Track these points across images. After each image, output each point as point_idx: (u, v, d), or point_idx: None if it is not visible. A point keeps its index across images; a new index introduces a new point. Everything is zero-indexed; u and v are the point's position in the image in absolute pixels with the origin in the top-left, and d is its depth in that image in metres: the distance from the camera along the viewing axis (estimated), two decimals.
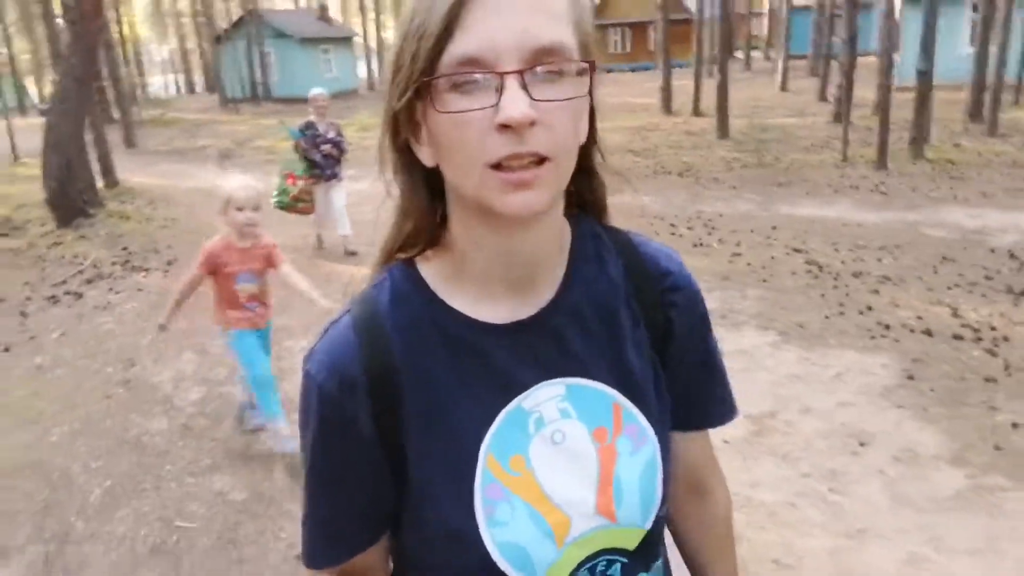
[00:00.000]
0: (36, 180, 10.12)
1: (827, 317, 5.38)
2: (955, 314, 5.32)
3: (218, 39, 32.79)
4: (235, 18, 35.12)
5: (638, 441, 0.79)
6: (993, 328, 5.05)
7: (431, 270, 0.79)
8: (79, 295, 6.79)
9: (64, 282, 7.22)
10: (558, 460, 0.75)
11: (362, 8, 41.35)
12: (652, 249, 0.87)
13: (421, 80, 0.66)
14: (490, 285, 0.77)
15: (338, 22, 41.83)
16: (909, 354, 4.70)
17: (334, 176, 7.19)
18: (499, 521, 0.73)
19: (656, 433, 0.80)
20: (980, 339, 4.89)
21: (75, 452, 3.89)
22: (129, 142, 19.10)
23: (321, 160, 7.02)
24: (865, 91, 15.45)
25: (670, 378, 0.85)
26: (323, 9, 35.34)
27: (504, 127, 0.63)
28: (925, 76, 10.97)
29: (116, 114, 20.81)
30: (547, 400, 0.77)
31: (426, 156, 0.72)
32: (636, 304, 0.83)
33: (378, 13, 37.50)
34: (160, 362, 5.10)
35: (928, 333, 5.01)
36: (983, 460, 3.49)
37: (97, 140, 11.79)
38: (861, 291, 5.91)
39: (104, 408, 4.40)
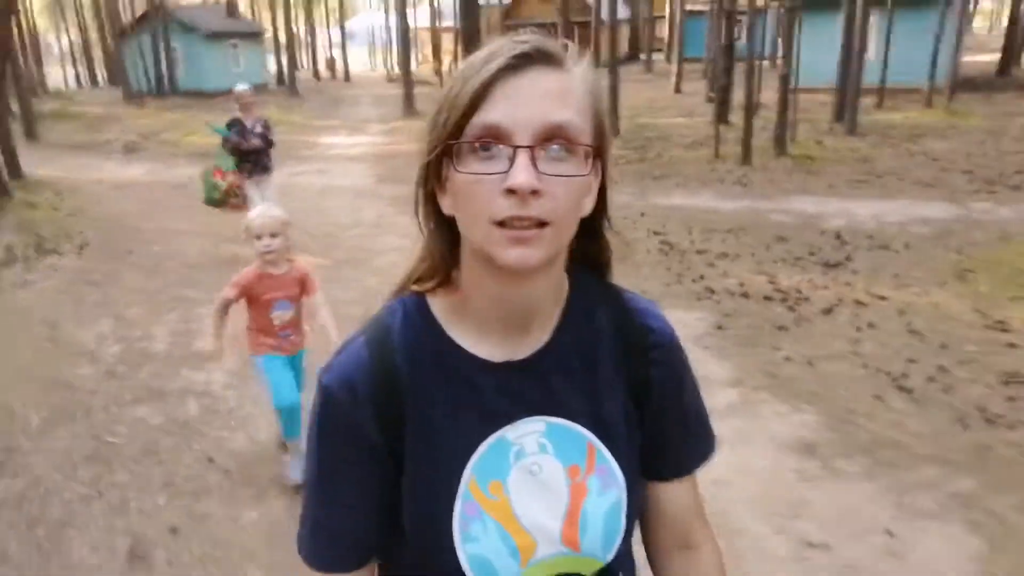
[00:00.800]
0: None
1: (667, 285, 6.40)
2: (771, 281, 6.42)
3: (122, 33, 32.17)
4: (139, 12, 34.50)
5: (607, 481, 0.87)
6: (799, 291, 6.15)
7: (439, 305, 0.88)
8: None
9: None
10: (533, 489, 0.84)
11: (272, 4, 41.15)
12: (639, 306, 0.95)
13: (448, 142, 0.77)
14: (488, 325, 0.86)
15: (247, 18, 41.49)
16: (724, 311, 5.74)
17: (264, 169, 7.31)
18: (472, 536, 0.82)
19: (624, 475, 0.88)
20: (785, 299, 5.98)
21: (14, 391, 4.49)
22: (31, 134, 18.84)
23: (250, 154, 7.16)
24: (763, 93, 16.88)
25: (648, 428, 0.93)
26: (231, 4, 35.09)
27: (511, 192, 0.73)
28: (785, 80, 12.31)
29: (15, 106, 20.43)
30: (529, 434, 0.85)
31: (446, 205, 0.82)
32: (620, 356, 0.91)
33: (288, 8, 37.42)
34: (82, 326, 5.68)
35: (745, 295, 6.08)
36: (755, 383, 4.51)
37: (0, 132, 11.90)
38: (699, 265, 6.98)
39: (34, 359, 4.98)
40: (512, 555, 0.82)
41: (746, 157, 12.01)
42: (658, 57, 37.83)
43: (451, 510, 0.82)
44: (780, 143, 12.50)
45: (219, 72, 30.48)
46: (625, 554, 0.92)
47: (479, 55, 0.78)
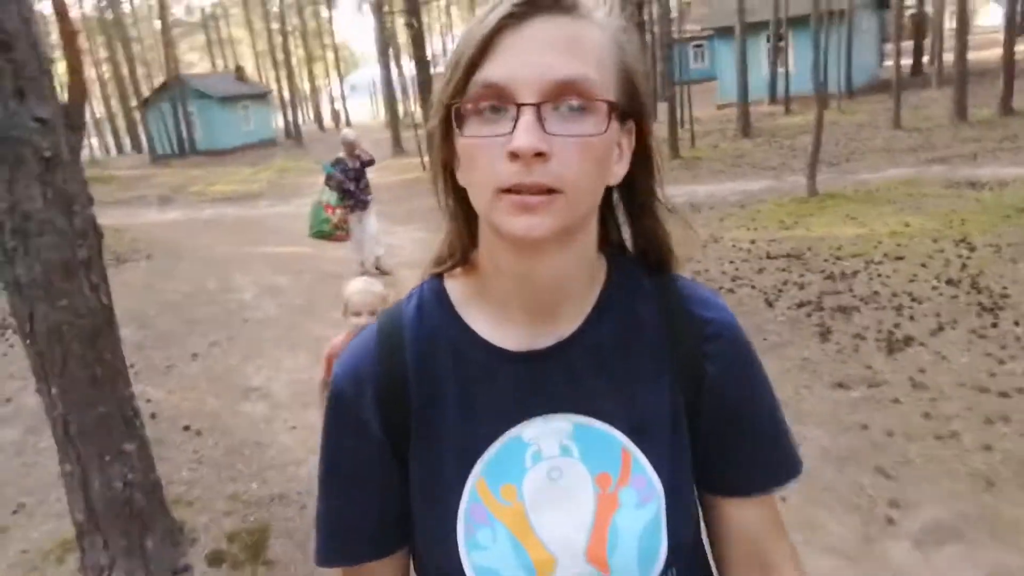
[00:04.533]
0: None
1: None
2: None
3: (145, 102, 36.32)
4: (156, 83, 38.71)
5: (645, 494, 0.76)
6: None
7: (457, 287, 0.81)
8: None
9: None
10: (552, 497, 0.74)
11: (275, 64, 45.41)
12: (695, 294, 0.83)
13: (451, 103, 0.69)
14: (509, 309, 0.78)
15: (254, 80, 45.70)
16: None
17: (364, 204, 8.06)
18: (479, 544, 0.74)
19: (665, 487, 0.76)
20: None
21: (147, 304, 7.84)
22: None
23: (354, 190, 7.92)
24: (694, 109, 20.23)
25: (706, 435, 0.81)
26: (239, 70, 39.30)
27: (514, 155, 0.65)
28: (671, 100, 15.69)
29: None
30: (549, 434, 0.76)
31: (459, 175, 0.75)
32: (668, 350, 0.79)
33: (290, 68, 41.60)
34: (164, 285, 9.04)
35: None
36: None
37: None
38: None
39: (141, 298, 8.36)
40: (526, 570, 0.73)
41: (673, 150, 15.42)
42: None
43: (454, 513, 0.75)
44: (674, 148, 15.82)
45: (232, 132, 34.49)
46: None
47: (485, 8, 0.70)
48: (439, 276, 0.84)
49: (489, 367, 0.77)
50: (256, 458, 4.23)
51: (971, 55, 16.30)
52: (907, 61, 28.67)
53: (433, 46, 30.94)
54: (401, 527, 0.82)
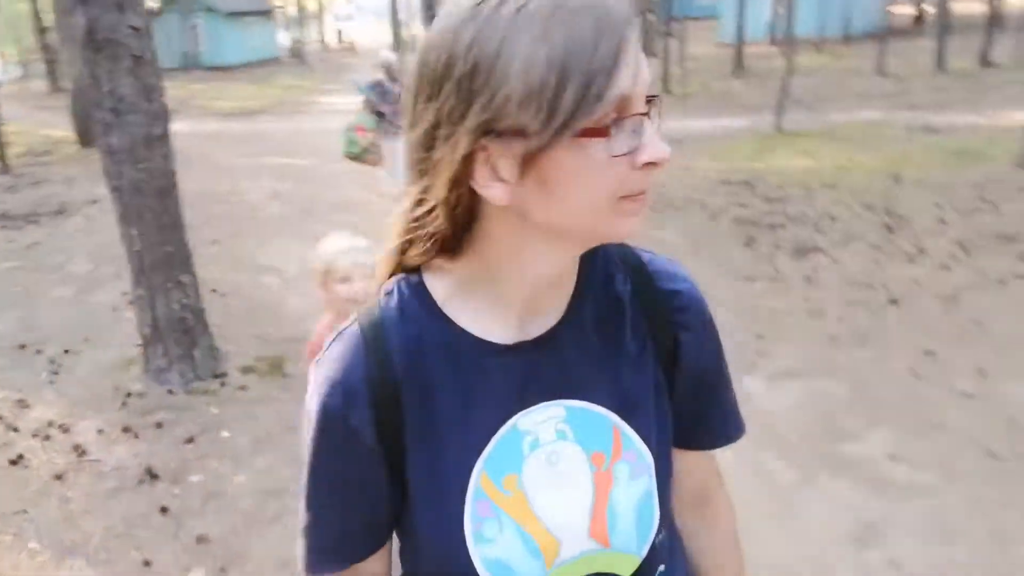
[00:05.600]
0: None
1: None
2: None
3: (150, 13, 36.32)
4: None
5: (637, 468, 0.79)
6: None
7: (440, 283, 0.79)
8: None
9: None
10: (551, 482, 0.76)
11: None
12: (662, 269, 0.86)
13: (578, 119, 0.61)
14: (506, 305, 0.77)
15: None
16: None
17: (398, 130, 7.35)
18: (487, 538, 0.75)
19: (655, 458, 0.80)
20: None
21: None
22: None
23: (388, 114, 7.52)
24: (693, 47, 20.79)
25: (677, 398, 0.85)
26: None
27: (649, 164, 0.65)
28: (665, 35, 16.32)
29: None
30: (544, 421, 0.77)
31: (498, 195, 0.67)
32: (644, 323, 0.82)
33: None
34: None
35: None
36: None
37: None
38: None
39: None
40: (534, 556, 0.75)
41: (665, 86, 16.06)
42: None
43: (462, 511, 0.75)
44: (665, 84, 16.53)
45: (237, 48, 34.68)
46: (665, 542, 0.84)
47: (567, 10, 0.61)
48: (415, 272, 0.80)
49: (481, 362, 0.77)
50: (273, 312, 5.25)
51: (968, 6, 16.88)
52: (909, 10, 29.04)
53: None
54: (389, 526, 0.82)
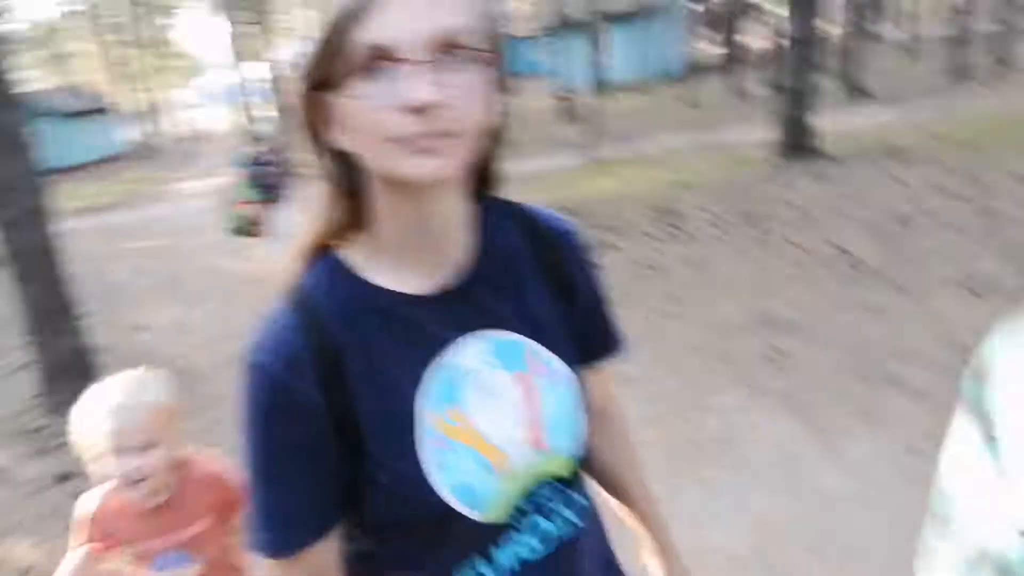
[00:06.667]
0: None
1: None
2: None
3: None
4: None
5: (555, 380, 0.90)
6: None
7: (355, 254, 0.86)
8: None
9: None
10: (489, 405, 0.86)
11: (120, 77, 44.88)
12: (546, 214, 0.99)
13: (334, 68, 0.73)
14: (407, 258, 0.85)
15: (98, 93, 44.93)
16: None
17: (281, 198, 7.74)
18: (446, 466, 0.82)
19: (572, 373, 0.92)
20: None
21: None
22: None
23: (274, 184, 7.65)
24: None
25: (576, 320, 0.96)
26: (81, 85, 38.83)
27: (416, 108, 0.70)
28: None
29: None
30: (472, 354, 0.86)
31: (342, 141, 0.78)
32: (542, 262, 0.94)
33: (136, 79, 41.46)
34: None
35: None
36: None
37: None
38: None
39: None
40: (489, 472, 0.84)
41: None
42: None
43: (414, 447, 0.81)
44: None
45: (80, 148, 34.17)
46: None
47: None
48: (331, 250, 0.86)
49: (407, 313, 0.84)
50: (150, 360, 6.02)
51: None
52: (719, 50, 32.52)
53: (281, 49, 32.09)
54: (340, 503, 0.84)
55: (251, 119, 29.07)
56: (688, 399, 3.92)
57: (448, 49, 0.72)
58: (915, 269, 5.29)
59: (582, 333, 0.98)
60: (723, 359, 4.34)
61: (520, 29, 36.01)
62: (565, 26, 26.03)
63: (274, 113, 27.99)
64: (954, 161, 8.30)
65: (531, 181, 12.42)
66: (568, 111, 21.05)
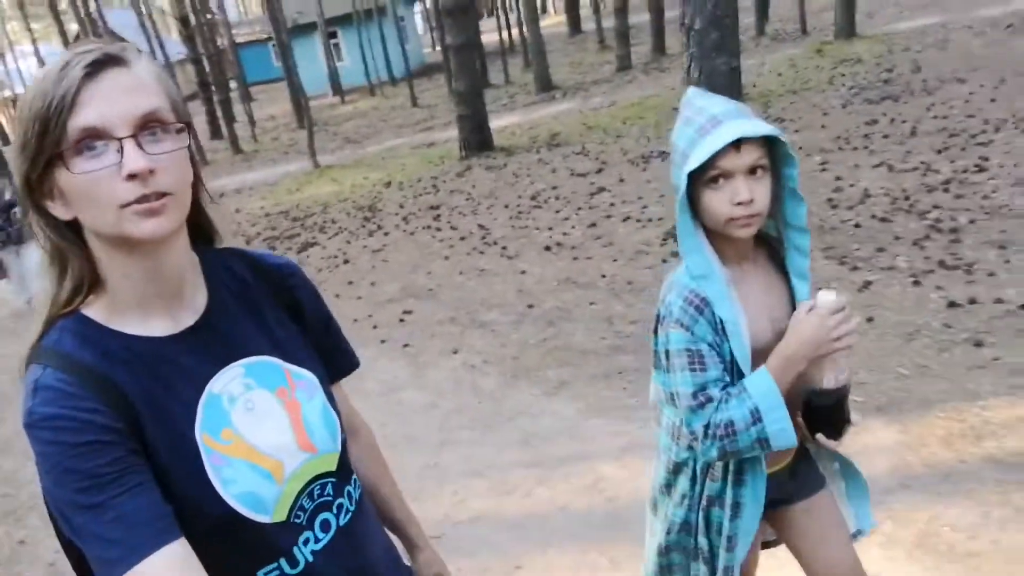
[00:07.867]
0: None
1: None
2: None
3: None
4: None
5: (309, 390, 1.04)
6: None
7: (95, 312, 0.94)
8: None
9: None
10: (256, 421, 0.97)
11: None
12: (266, 254, 1.13)
13: (54, 150, 0.83)
14: (149, 306, 0.94)
15: None
16: None
17: (20, 237, 7.48)
18: (229, 480, 0.92)
19: (320, 382, 1.07)
20: None
21: None
22: None
23: (4, 225, 7.42)
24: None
25: (313, 340, 1.12)
26: None
27: (131, 177, 0.83)
28: (221, 102, 18.30)
29: None
30: (231, 381, 0.97)
31: (60, 211, 0.88)
32: (271, 294, 1.08)
33: None
34: None
35: None
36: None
37: None
38: None
39: None
40: (267, 479, 0.95)
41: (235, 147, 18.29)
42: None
43: (202, 470, 0.91)
44: (235, 145, 18.56)
45: None
46: (346, 444, 1.09)
47: (51, 68, 0.85)
48: (70, 314, 0.93)
49: (164, 354, 0.93)
50: None
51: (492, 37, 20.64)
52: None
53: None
54: (166, 515, 0.86)
55: None
56: None
57: (150, 125, 0.86)
58: (522, 237, 6.91)
59: (322, 351, 1.13)
60: (374, 325, 5.65)
61: (249, 35, 35.61)
62: (295, 30, 26.62)
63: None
64: (591, 144, 10.28)
65: (260, 189, 13.19)
66: (299, 115, 21.65)
